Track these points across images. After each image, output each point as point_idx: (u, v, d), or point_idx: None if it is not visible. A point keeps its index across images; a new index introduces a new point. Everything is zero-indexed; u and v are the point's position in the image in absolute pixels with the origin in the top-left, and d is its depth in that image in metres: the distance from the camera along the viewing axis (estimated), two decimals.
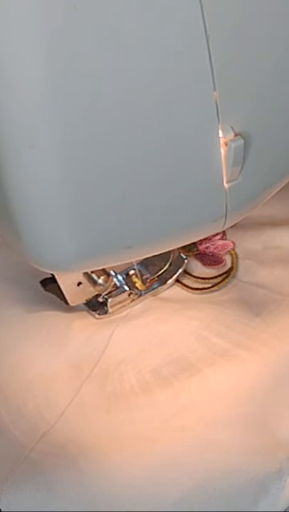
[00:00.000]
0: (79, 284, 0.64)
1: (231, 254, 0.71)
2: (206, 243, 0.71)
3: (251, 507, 0.52)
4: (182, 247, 0.69)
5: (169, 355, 0.63)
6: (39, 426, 0.59)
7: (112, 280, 0.65)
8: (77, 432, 0.58)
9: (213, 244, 0.71)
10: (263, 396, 0.58)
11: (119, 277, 0.67)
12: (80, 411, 0.60)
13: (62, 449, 0.57)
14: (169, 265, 0.68)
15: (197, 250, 0.71)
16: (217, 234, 0.71)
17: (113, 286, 0.66)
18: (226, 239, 0.72)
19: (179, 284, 0.69)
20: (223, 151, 0.49)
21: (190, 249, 0.70)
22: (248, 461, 0.54)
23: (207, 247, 0.71)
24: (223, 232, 0.72)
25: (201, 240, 0.71)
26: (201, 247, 0.71)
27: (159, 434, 0.57)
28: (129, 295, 0.67)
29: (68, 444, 0.57)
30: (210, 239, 0.71)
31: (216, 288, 0.68)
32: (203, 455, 0.55)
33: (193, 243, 0.70)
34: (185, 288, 0.68)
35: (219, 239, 0.71)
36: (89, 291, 0.65)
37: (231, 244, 0.71)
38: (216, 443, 0.56)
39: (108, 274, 0.65)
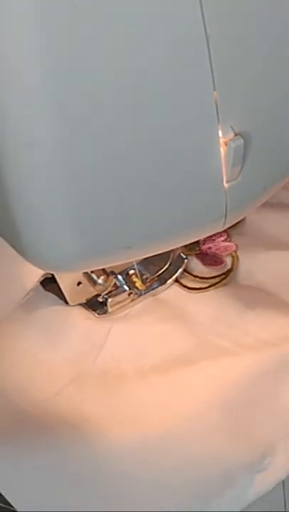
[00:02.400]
0: (79, 283, 0.64)
1: (232, 256, 0.70)
2: (208, 243, 0.71)
3: (217, 497, 0.53)
4: (184, 246, 0.69)
5: (168, 354, 0.63)
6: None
7: (112, 280, 0.65)
8: (77, 409, 0.59)
9: (215, 245, 0.71)
10: (245, 394, 0.59)
11: (119, 277, 0.67)
12: (79, 390, 0.61)
13: (64, 418, 0.58)
14: (169, 265, 0.68)
15: (198, 249, 0.71)
16: (221, 235, 0.71)
17: (113, 286, 0.66)
18: (230, 241, 0.71)
19: (177, 284, 0.69)
20: (222, 150, 0.48)
21: (191, 248, 0.70)
22: (231, 446, 0.55)
23: (209, 248, 0.71)
24: (227, 234, 0.72)
25: (204, 240, 0.71)
26: (204, 247, 0.71)
27: (154, 416, 0.58)
28: (129, 295, 0.67)
29: (70, 417, 0.58)
30: (213, 239, 0.71)
31: (212, 289, 0.68)
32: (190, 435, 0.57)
33: (196, 242, 0.70)
34: (182, 287, 0.68)
35: (223, 240, 0.71)
36: (89, 291, 0.65)
37: (234, 246, 0.71)
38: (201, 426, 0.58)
39: (108, 274, 0.65)
